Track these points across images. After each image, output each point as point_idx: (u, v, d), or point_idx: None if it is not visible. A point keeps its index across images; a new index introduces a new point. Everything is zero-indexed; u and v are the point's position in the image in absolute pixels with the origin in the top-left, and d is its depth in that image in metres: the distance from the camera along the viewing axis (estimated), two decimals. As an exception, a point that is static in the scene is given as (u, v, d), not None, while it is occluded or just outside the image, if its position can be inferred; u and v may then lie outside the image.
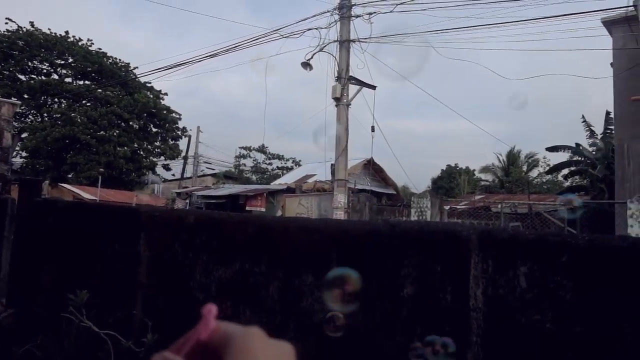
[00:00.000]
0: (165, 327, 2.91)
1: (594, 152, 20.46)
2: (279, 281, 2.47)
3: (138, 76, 30.84)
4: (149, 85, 32.63)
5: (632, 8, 11.31)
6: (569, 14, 10.53)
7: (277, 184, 23.08)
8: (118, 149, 29.58)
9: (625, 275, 1.43)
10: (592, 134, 21.03)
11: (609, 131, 19.39)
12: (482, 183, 38.22)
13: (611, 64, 14.25)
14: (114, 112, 29.37)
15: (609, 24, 13.45)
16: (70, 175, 28.98)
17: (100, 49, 32.06)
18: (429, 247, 1.86)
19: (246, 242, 2.71)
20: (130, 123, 30.87)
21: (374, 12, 11.44)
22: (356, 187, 17.48)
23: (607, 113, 19.43)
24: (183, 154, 34.07)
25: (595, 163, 19.42)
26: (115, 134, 29.77)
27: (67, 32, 31.01)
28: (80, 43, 31.35)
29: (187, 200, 21.71)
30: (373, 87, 12.49)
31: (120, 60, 32.91)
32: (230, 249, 2.78)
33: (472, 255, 1.69)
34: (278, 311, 2.45)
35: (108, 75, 31.25)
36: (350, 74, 11.66)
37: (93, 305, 3.21)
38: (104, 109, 29.43)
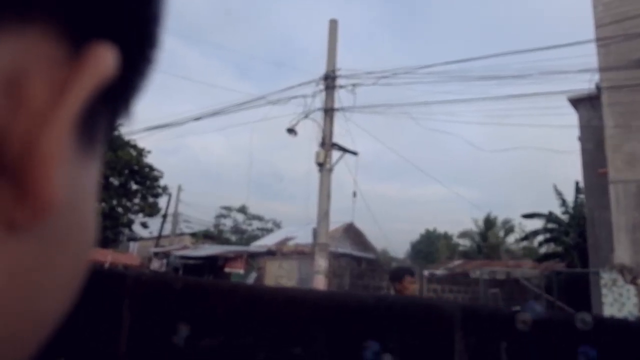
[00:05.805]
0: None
1: (566, 220, 21.07)
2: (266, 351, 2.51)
3: (123, 134, 31.08)
4: (132, 142, 32.82)
5: (594, 88, 12.25)
6: (536, 93, 11.35)
7: (257, 246, 22.88)
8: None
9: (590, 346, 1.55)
10: (563, 202, 21.75)
11: (579, 200, 20.12)
12: (461, 248, 38.53)
13: (578, 138, 15.12)
14: (95, 168, 29.20)
15: (575, 102, 14.44)
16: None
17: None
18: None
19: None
20: (111, 180, 30.68)
21: (358, 84, 12.09)
22: (337, 251, 17.48)
23: (577, 183, 20.26)
24: (162, 212, 33.71)
25: (568, 230, 19.95)
26: (94, 190, 29.41)
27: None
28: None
29: (165, 260, 21.22)
30: (355, 154, 12.90)
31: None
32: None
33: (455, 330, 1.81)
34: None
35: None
36: (333, 141, 12.08)
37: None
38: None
